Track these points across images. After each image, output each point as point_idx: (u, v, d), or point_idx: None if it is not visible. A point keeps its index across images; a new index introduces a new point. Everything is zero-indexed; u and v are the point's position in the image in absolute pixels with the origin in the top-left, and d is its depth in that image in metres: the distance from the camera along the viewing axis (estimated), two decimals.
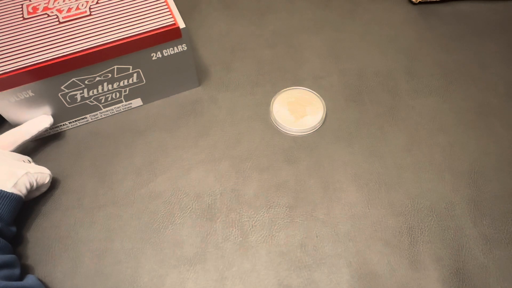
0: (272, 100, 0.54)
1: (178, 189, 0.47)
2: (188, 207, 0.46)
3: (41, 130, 0.47)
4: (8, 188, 0.40)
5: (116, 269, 0.42)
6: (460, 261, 0.42)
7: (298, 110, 0.53)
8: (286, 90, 0.55)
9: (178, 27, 0.46)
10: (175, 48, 0.48)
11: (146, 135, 0.52)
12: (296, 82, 0.56)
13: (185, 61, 0.51)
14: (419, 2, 0.66)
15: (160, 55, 0.48)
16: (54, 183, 0.48)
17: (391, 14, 0.65)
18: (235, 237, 0.44)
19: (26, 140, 0.46)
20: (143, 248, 0.43)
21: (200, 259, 0.42)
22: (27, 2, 0.48)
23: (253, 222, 0.45)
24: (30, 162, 0.46)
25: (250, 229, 0.44)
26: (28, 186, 0.42)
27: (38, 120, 0.47)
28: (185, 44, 0.48)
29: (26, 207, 0.46)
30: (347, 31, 0.63)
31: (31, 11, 0.47)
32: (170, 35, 0.46)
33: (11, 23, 0.46)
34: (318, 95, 0.55)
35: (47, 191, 0.47)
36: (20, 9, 0.48)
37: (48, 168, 0.45)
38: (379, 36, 0.62)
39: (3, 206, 0.39)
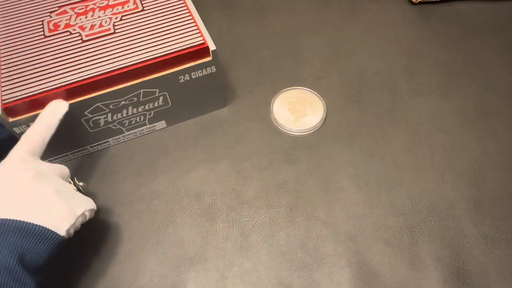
0: (272, 100, 0.54)
1: (178, 189, 0.47)
2: (189, 207, 0.46)
3: (62, 118, 0.40)
4: (63, 231, 0.34)
5: (117, 269, 0.42)
6: (460, 261, 0.42)
7: (298, 110, 0.53)
8: (286, 90, 0.55)
9: (208, 47, 0.44)
10: (204, 70, 0.46)
11: (145, 135, 0.52)
12: (296, 82, 0.56)
13: (213, 83, 0.48)
14: (419, 2, 0.66)
15: (188, 78, 0.46)
16: None
17: (391, 14, 0.65)
18: (236, 237, 0.44)
19: (51, 135, 0.39)
20: (143, 248, 0.43)
21: (200, 259, 0.42)
22: (48, 19, 0.46)
23: (254, 222, 0.45)
24: (71, 182, 0.41)
25: (250, 229, 0.44)
26: (78, 227, 0.36)
27: (52, 109, 0.40)
28: (214, 66, 0.46)
29: None
30: (347, 31, 0.63)
31: (52, 28, 0.45)
32: (199, 56, 0.44)
33: (32, 42, 0.44)
34: (318, 95, 0.55)
35: None
36: (41, 26, 0.45)
37: None
38: (379, 36, 0.62)
39: (48, 252, 0.33)
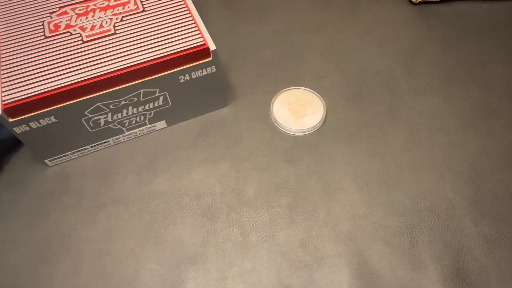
0: (272, 100, 0.54)
1: (178, 189, 0.47)
2: (189, 206, 0.46)
3: None
4: None
5: (116, 269, 0.42)
6: (460, 261, 0.42)
7: (298, 110, 0.53)
8: (286, 90, 0.55)
9: (208, 48, 0.44)
10: (204, 70, 0.46)
11: (145, 135, 0.52)
12: (296, 82, 0.56)
13: (213, 83, 0.49)
14: (419, 2, 0.66)
15: (188, 78, 0.46)
16: (54, 184, 0.48)
17: (391, 14, 0.65)
18: (236, 237, 0.44)
19: None
20: (143, 248, 0.43)
21: (200, 259, 0.42)
22: (48, 19, 0.46)
23: (254, 222, 0.45)
24: None
25: (250, 229, 0.44)
26: None
27: None
28: (214, 66, 0.46)
29: (27, 206, 0.46)
30: (347, 31, 0.63)
31: (53, 28, 0.45)
32: (199, 56, 0.44)
33: (33, 42, 0.44)
34: (318, 95, 0.55)
35: (49, 191, 0.47)
36: (41, 27, 0.45)
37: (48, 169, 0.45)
38: (379, 36, 0.62)
39: None
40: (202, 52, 0.44)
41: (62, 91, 0.41)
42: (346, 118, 0.53)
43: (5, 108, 0.39)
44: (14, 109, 0.40)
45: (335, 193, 0.47)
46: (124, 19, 0.46)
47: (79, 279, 0.41)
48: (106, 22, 0.46)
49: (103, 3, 0.48)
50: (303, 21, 0.64)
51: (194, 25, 0.46)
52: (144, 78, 0.44)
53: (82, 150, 0.49)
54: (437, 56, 0.59)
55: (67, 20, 0.46)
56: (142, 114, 0.48)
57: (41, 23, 0.46)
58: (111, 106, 0.45)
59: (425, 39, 0.62)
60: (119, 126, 0.48)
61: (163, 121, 0.51)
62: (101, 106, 0.44)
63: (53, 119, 0.42)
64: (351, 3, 0.67)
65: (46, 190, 0.47)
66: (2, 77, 0.41)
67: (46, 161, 0.48)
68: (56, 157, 0.48)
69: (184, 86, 0.47)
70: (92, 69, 0.42)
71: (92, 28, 0.45)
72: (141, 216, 0.45)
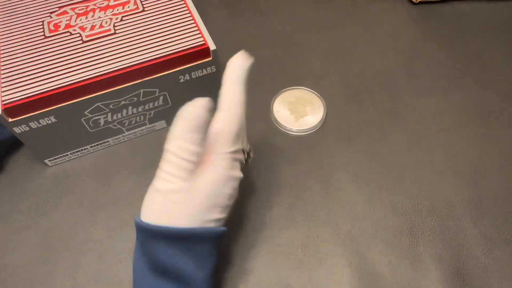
0: (272, 100, 0.54)
1: None
2: None
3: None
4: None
5: (117, 269, 0.42)
6: (460, 261, 0.42)
7: (298, 110, 0.53)
8: (286, 90, 0.55)
9: (208, 48, 0.44)
10: (204, 70, 0.46)
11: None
12: (296, 82, 0.56)
13: (213, 83, 0.48)
14: (419, 2, 0.66)
15: (188, 78, 0.46)
16: (54, 184, 0.47)
17: (391, 14, 0.65)
18: (236, 237, 0.44)
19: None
20: None
21: None
22: (48, 19, 0.46)
23: (254, 222, 0.45)
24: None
25: (250, 229, 0.44)
26: None
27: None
28: (214, 66, 0.46)
29: (27, 206, 0.46)
30: (347, 31, 0.63)
31: (53, 28, 0.45)
32: (199, 56, 0.44)
33: (32, 42, 0.44)
34: (318, 95, 0.55)
35: (49, 191, 0.47)
36: (41, 26, 0.45)
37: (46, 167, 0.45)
38: (379, 36, 0.62)
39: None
40: (202, 52, 0.44)
41: (62, 91, 0.41)
42: (346, 118, 0.53)
43: (5, 108, 0.39)
44: (14, 109, 0.40)
45: (335, 193, 0.47)
46: (124, 19, 0.46)
47: (79, 279, 0.41)
48: (106, 22, 0.46)
49: (103, 3, 0.48)
50: (303, 21, 0.64)
51: (194, 25, 0.46)
52: (144, 78, 0.44)
53: (82, 150, 0.49)
54: (437, 56, 0.59)
55: (66, 20, 0.46)
56: (142, 114, 0.48)
57: (41, 23, 0.46)
58: (111, 106, 0.45)
59: (425, 39, 0.62)
60: (119, 126, 0.48)
61: (163, 121, 0.51)
62: (101, 106, 0.44)
63: (53, 119, 0.42)
64: (351, 3, 0.67)
65: (46, 190, 0.47)
66: (2, 77, 0.41)
67: (46, 161, 0.48)
68: (56, 157, 0.48)
69: (184, 86, 0.47)
70: (92, 69, 0.42)
71: (92, 28, 0.45)
72: None
